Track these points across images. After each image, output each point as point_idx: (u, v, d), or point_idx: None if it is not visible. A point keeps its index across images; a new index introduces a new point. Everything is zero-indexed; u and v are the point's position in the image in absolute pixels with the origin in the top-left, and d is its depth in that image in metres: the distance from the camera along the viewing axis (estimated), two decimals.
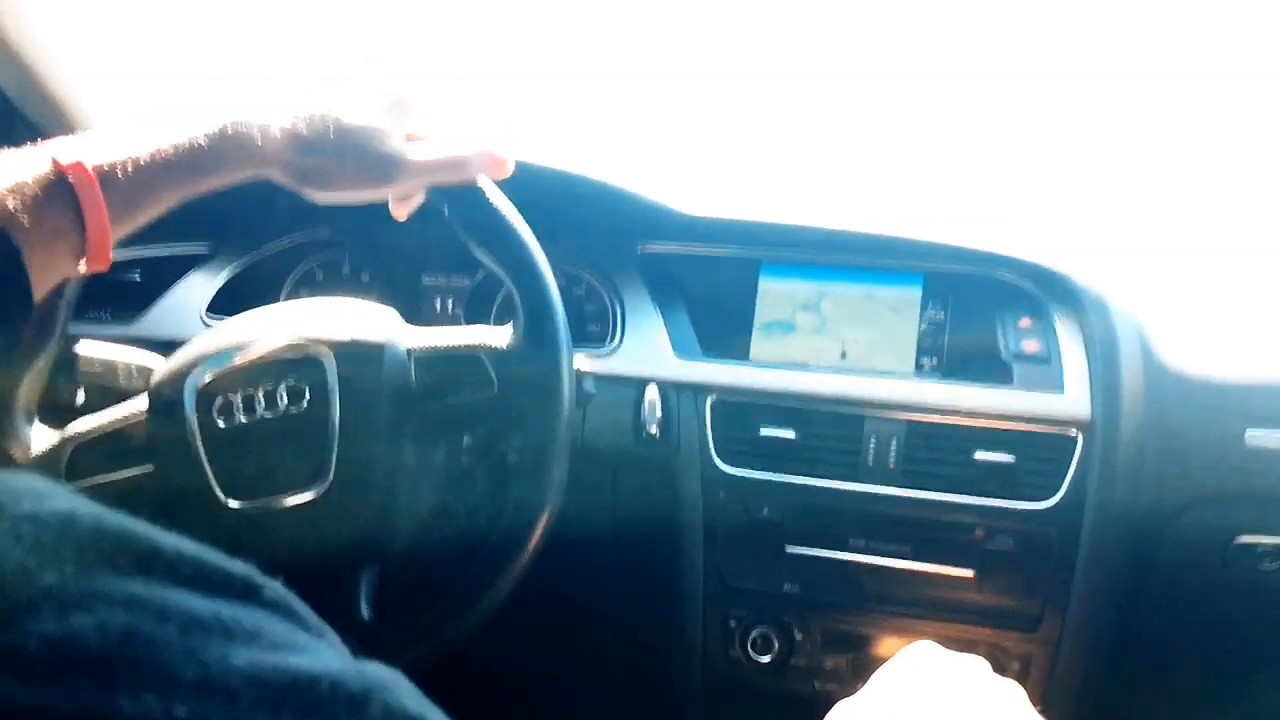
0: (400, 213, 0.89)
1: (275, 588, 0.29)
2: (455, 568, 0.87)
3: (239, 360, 0.88)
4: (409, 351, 0.90)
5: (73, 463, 0.93)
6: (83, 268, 0.71)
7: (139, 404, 0.93)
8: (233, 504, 0.87)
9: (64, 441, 0.93)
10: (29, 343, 0.84)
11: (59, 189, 0.68)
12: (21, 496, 0.27)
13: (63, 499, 0.28)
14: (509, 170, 0.88)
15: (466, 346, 0.90)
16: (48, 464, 0.93)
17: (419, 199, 0.89)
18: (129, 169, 0.71)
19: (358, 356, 0.88)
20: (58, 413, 0.96)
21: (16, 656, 0.23)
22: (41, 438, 0.94)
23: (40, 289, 0.68)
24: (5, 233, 0.64)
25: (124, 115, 1.22)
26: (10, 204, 0.65)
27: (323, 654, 0.28)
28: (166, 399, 0.90)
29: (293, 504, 0.87)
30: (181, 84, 1.35)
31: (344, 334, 0.89)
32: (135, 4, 1.26)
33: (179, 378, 0.89)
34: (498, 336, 0.90)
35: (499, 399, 0.90)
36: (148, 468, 0.91)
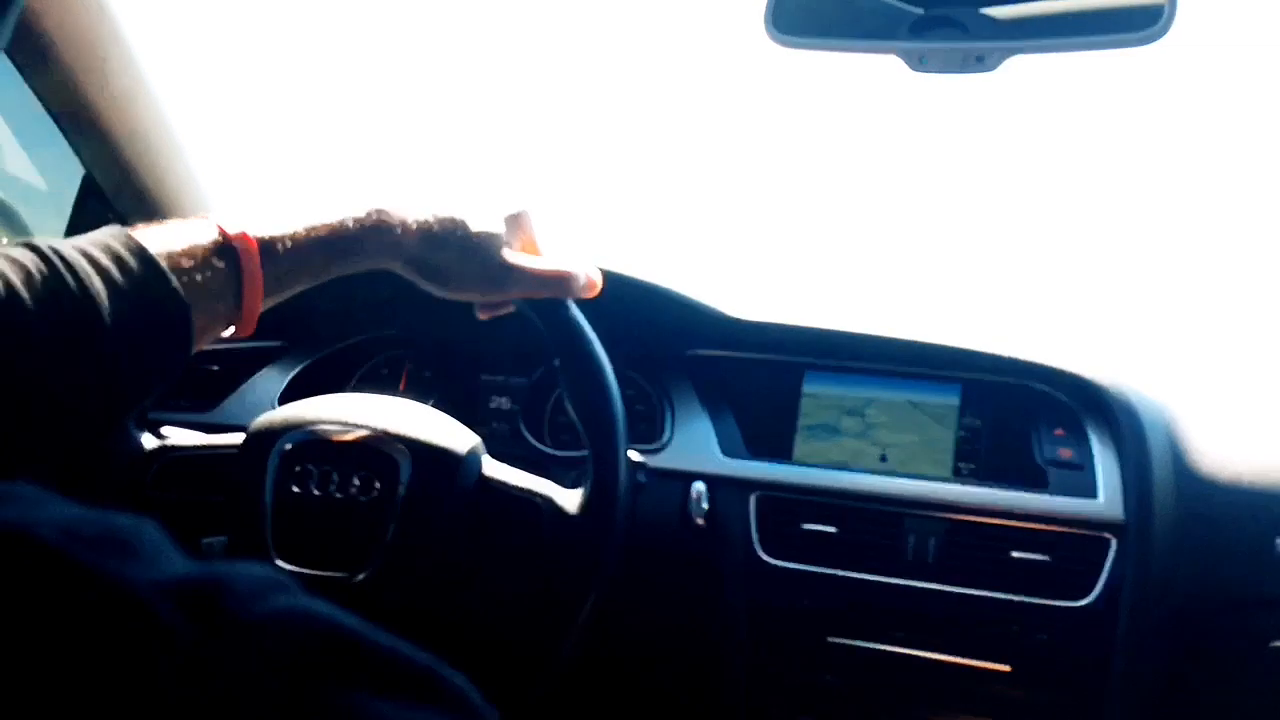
0: (485, 316, 0.93)
1: (455, 682, 0.31)
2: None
3: (331, 437, 0.95)
4: (480, 478, 0.96)
5: (162, 471, 0.99)
6: (229, 331, 0.75)
7: (234, 438, 0.99)
8: (279, 563, 0.92)
9: (161, 449, 1.00)
10: None
11: (225, 255, 0.71)
12: (244, 597, 0.28)
13: (281, 597, 0.29)
14: (599, 289, 0.93)
15: (532, 493, 0.95)
16: (141, 466, 0.99)
17: (508, 307, 0.93)
18: (286, 244, 0.75)
19: (432, 468, 0.93)
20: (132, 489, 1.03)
21: None
22: (144, 441, 1.01)
23: (196, 347, 0.70)
24: (176, 290, 0.67)
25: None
26: (185, 263, 0.68)
27: None
28: (258, 445, 0.96)
29: (328, 580, 0.91)
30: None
31: (425, 444, 0.94)
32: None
33: (275, 432, 0.95)
34: (566, 499, 0.95)
35: (547, 548, 0.94)
36: (220, 500, 0.97)
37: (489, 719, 0.31)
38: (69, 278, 0.62)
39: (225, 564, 0.29)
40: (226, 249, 0.72)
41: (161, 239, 0.69)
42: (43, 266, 0.62)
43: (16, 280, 0.61)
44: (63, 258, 0.63)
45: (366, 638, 0.29)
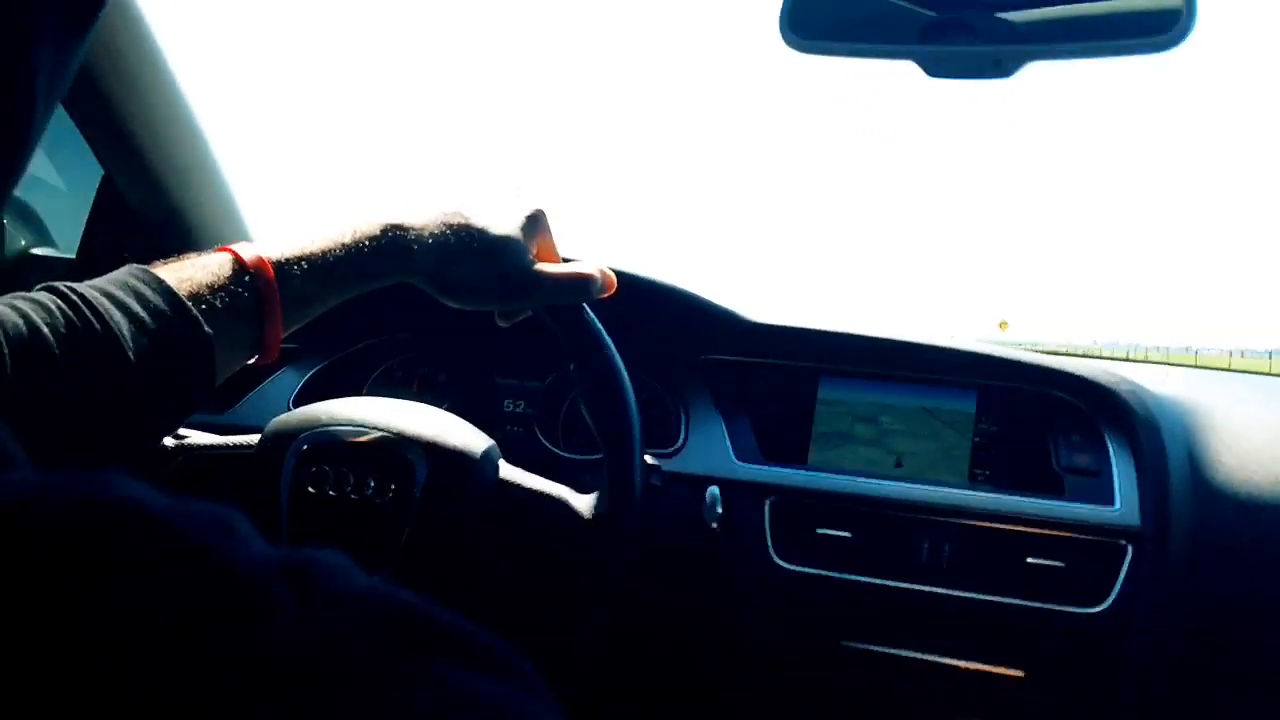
0: (505, 323, 0.93)
1: (522, 661, 0.31)
2: None
3: (348, 439, 0.94)
4: (496, 480, 0.96)
5: (177, 471, 0.99)
6: (252, 360, 0.76)
7: (250, 439, 0.99)
8: None
9: (177, 449, 1.00)
10: None
11: (243, 284, 0.72)
12: (333, 574, 0.29)
13: (360, 576, 0.30)
14: (615, 288, 0.92)
15: (547, 496, 0.96)
16: (157, 466, 1.00)
17: (526, 312, 0.93)
18: (303, 267, 0.75)
19: (447, 470, 0.93)
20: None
21: None
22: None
23: (220, 377, 0.72)
24: (197, 320, 0.68)
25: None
26: (204, 294, 0.69)
27: None
28: (274, 446, 0.96)
29: None
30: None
31: (441, 445, 0.94)
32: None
33: (291, 433, 0.95)
34: (580, 502, 0.95)
35: (561, 551, 0.95)
36: (235, 500, 0.97)
37: (553, 700, 0.31)
38: (91, 316, 0.64)
39: (308, 549, 0.30)
40: (244, 278, 0.72)
41: (179, 272, 0.70)
42: (65, 307, 0.64)
43: (40, 323, 0.62)
44: (84, 298, 0.64)
45: (441, 615, 0.30)
